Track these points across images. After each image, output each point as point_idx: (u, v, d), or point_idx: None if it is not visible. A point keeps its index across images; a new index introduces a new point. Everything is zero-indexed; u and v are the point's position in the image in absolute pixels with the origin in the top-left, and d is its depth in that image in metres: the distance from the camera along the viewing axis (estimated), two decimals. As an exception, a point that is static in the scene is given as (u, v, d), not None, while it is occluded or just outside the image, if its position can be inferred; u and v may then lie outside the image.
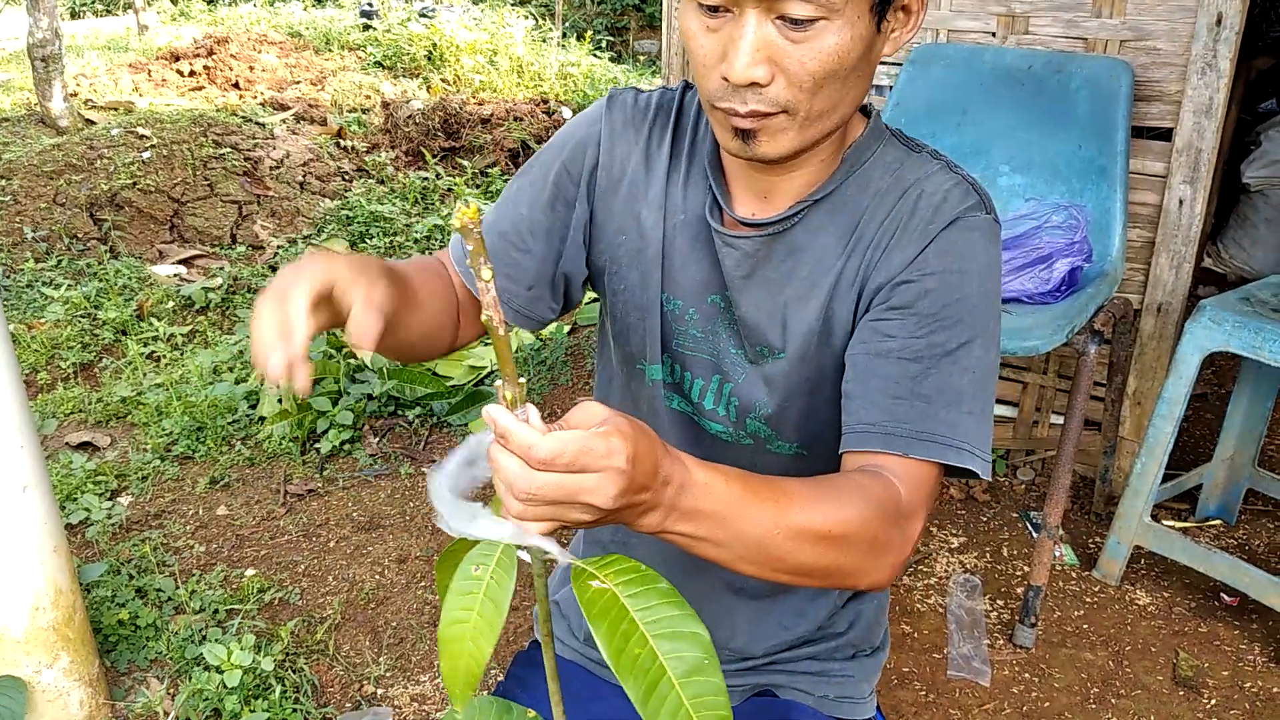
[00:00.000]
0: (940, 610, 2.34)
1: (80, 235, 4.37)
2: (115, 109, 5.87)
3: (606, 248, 1.13)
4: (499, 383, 0.66)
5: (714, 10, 0.89)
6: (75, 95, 5.95)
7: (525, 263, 1.12)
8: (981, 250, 0.99)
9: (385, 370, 3.17)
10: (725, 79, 0.89)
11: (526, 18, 8.15)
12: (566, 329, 3.55)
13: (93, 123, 5.45)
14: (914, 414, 0.94)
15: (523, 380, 0.66)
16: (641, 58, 8.81)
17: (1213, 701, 2.09)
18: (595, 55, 7.98)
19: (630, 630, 0.66)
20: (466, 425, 3.11)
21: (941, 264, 0.98)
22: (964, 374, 0.96)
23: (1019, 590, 2.41)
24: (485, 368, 3.35)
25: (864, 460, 0.95)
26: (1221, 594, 2.37)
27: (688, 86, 1.12)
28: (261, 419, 3.08)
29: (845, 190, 1.03)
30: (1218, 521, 2.63)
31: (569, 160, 1.13)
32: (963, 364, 0.96)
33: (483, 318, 0.63)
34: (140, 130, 4.94)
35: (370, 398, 3.13)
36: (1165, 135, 2.41)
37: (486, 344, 3.51)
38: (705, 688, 0.66)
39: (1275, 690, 2.11)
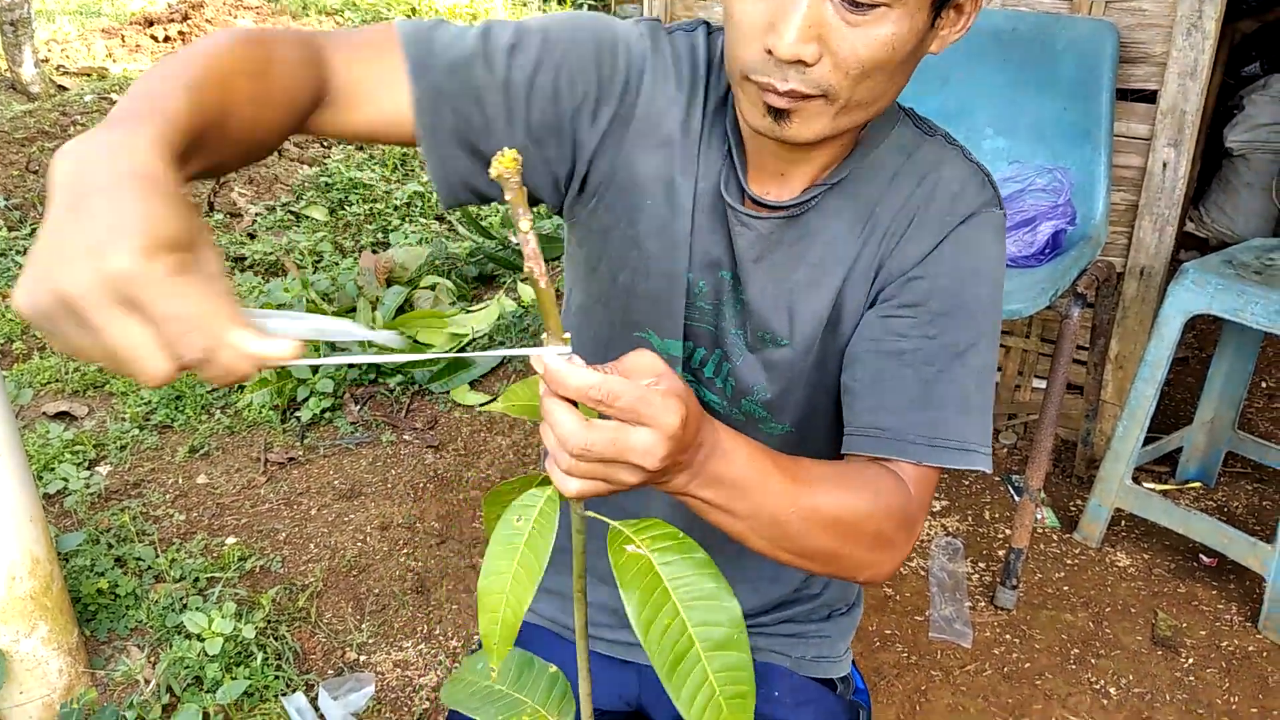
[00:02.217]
0: (922, 573, 2.35)
1: (54, 203, 4.31)
2: (88, 75, 5.77)
3: (621, 209, 1.02)
4: (544, 336, 0.65)
5: None
6: (46, 61, 5.84)
7: (475, 120, 0.93)
8: (993, 248, 0.99)
9: (361, 344, 3.13)
10: (769, 52, 0.83)
11: (507, -18, 8.04)
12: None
13: (65, 89, 5.36)
14: (927, 422, 0.94)
15: (567, 335, 0.65)
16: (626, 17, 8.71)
17: (1190, 660, 2.11)
18: (577, 20, 7.89)
19: (662, 599, 0.66)
20: (448, 393, 3.10)
21: (955, 262, 0.97)
22: (971, 375, 0.96)
23: (1000, 553, 2.42)
24: (466, 334, 3.33)
25: (873, 460, 0.95)
26: (1200, 555, 2.39)
27: (708, 30, 1.02)
28: (241, 387, 3.05)
29: (860, 173, 0.99)
30: (1197, 484, 2.64)
31: (600, 73, 0.96)
32: (970, 365, 0.96)
33: (525, 269, 0.61)
34: (114, 96, 4.86)
35: (351, 365, 3.11)
36: (1150, 98, 2.39)
37: (469, 311, 3.49)
38: (732, 661, 0.66)
39: (1251, 649, 2.13)
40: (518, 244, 4.03)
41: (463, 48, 0.93)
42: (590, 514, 0.74)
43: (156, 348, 0.52)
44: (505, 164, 0.57)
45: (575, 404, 0.67)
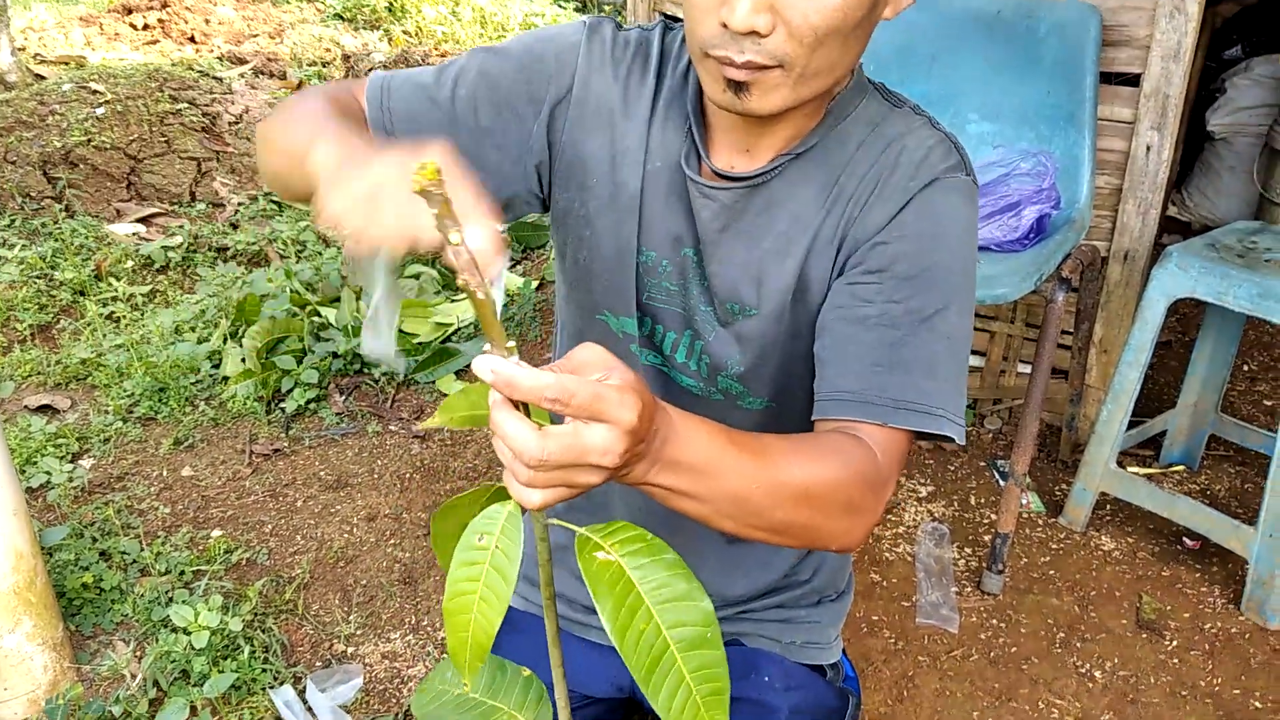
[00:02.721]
0: (909, 559, 2.36)
1: (34, 194, 4.26)
2: (66, 63, 5.71)
3: (573, 189, 1.07)
4: (486, 347, 0.63)
5: None
6: (23, 49, 5.78)
7: (449, 139, 1.01)
8: (960, 213, 0.99)
9: (350, 328, 3.12)
10: (724, 25, 0.85)
11: (489, -32, 7.98)
12: (534, 284, 3.52)
13: (43, 78, 5.30)
14: (892, 383, 0.94)
15: (511, 344, 0.63)
16: (607, 8, 8.68)
17: (1174, 643, 2.12)
18: (559, 5, 7.85)
19: (636, 604, 0.66)
20: (434, 383, 3.09)
21: (919, 226, 0.97)
22: (939, 340, 0.96)
23: (986, 538, 2.43)
24: (451, 324, 3.31)
25: (839, 426, 0.94)
26: (1184, 538, 2.40)
27: (666, 27, 1.07)
28: (225, 379, 3.03)
29: (826, 144, 1.00)
30: (1181, 467, 2.66)
31: (533, 77, 1.05)
32: (939, 330, 0.96)
33: (459, 282, 0.59)
34: (93, 85, 4.80)
35: (335, 356, 3.09)
36: (1133, 81, 2.39)
37: (453, 300, 3.48)
38: (706, 660, 0.67)
39: (1234, 631, 2.15)
40: (502, 234, 4.01)
41: (415, 85, 1.05)
42: (554, 522, 0.73)
43: (429, 225, 0.65)
44: (426, 176, 0.56)
45: (526, 412, 0.65)
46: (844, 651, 1.37)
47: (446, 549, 0.77)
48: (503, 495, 0.73)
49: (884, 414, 0.93)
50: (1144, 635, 2.15)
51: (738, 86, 0.88)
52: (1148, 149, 2.39)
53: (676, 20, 1.08)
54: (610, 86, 1.05)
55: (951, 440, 0.96)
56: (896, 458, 0.94)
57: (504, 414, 0.65)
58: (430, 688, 0.90)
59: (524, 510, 0.69)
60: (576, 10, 8.13)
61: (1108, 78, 2.41)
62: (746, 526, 0.82)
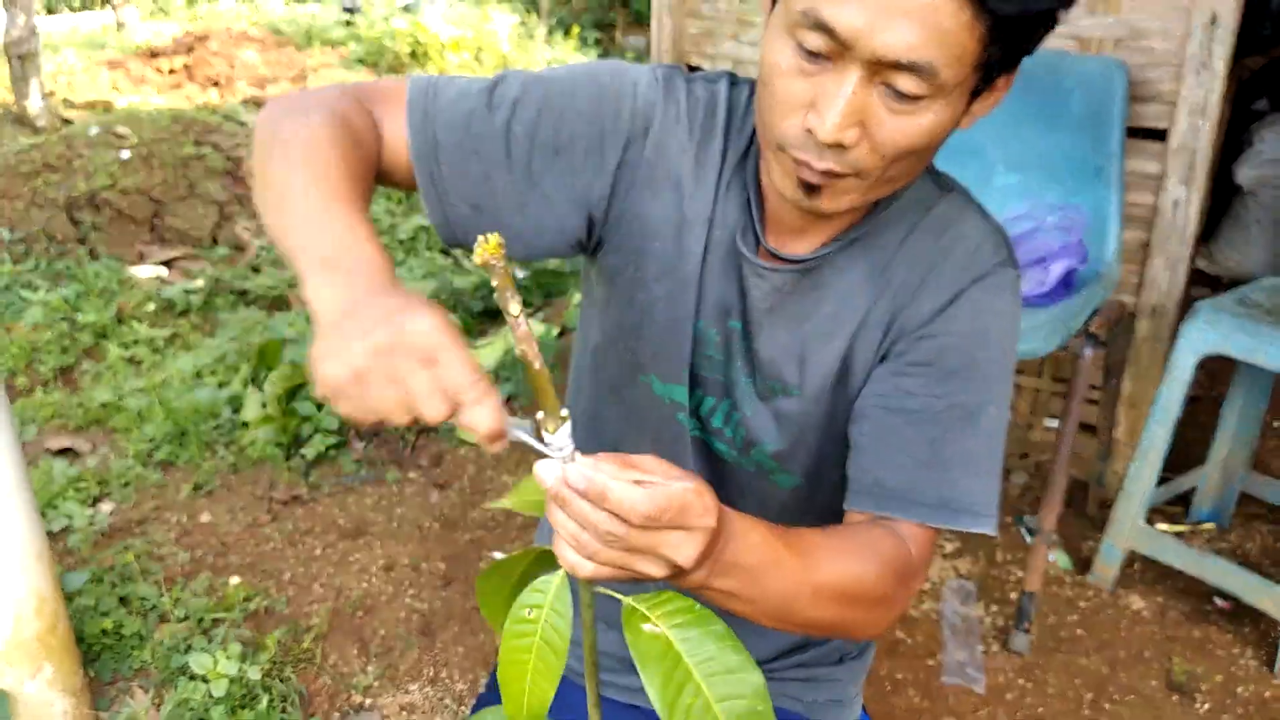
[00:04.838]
0: (934, 616, 2.32)
1: (59, 237, 4.31)
2: (93, 108, 5.80)
3: (628, 251, 1.03)
4: (539, 416, 0.63)
5: (814, 55, 0.81)
6: (52, 94, 5.87)
7: (473, 171, 0.95)
8: (1007, 308, 0.99)
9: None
10: (808, 130, 0.83)
11: (511, 13, 8.10)
12: (555, 332, 3.52)
13: (70, 122, 5.38)
14: (933, 481, 0.94)
15: (565, 413, 0.63)
16: (629, 55, 8.78)
17: (1206, 706, 2.08)
18: (581, 51, 7.95)
19: (684, 679, 0.65)
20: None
21: (968, 322, 0.97)
22: (980, 436, 0.96)
23: (1013, 595, 2.40)
24: (473, 370, 3.31)
25: (875, 519, 0.96)
26: (1215, 598, 2.36)
27: (731, 81, 1.02)
28: (245, 424, 3.03)
29: (876, 227, 1.00)
30: (1211, 525, 2.62)
31: (603, 128, 0.97)
32: (980, 426, 0.96)
33: (517, 352, 0.61)
34: (119, 129, 4.87)
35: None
36: (1160, 135, 2.39)
37: (475, 346, 3.48)
38: None
39: (1268, 695, 2.10)
40: (522, 280, 4.03)
41: (465, 102, 0.96)
42: (601, 590, 0.73)
43: (440, 396, 0.64)
44: (489, 250, 0.56)
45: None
46: (864, 708, 1.36)
47: (493, 608, 0.77)
48: (548, 560, 0.72)
49: (925, 514, 0.94)
50: (1175, 698, 2.10)
51: (809, 187, 0.87)
52: (1175, 204, 2.39)
53: (696, 69, 1.06)
54: (684, 151, 1.00)
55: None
56: (928, 551, 0.96)
57: (571, 492, 0.64)
58: None
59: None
60: (599, 56, 8.23)
61: (1134, 132, 2.40)
62: (786, 623, 0.84)
